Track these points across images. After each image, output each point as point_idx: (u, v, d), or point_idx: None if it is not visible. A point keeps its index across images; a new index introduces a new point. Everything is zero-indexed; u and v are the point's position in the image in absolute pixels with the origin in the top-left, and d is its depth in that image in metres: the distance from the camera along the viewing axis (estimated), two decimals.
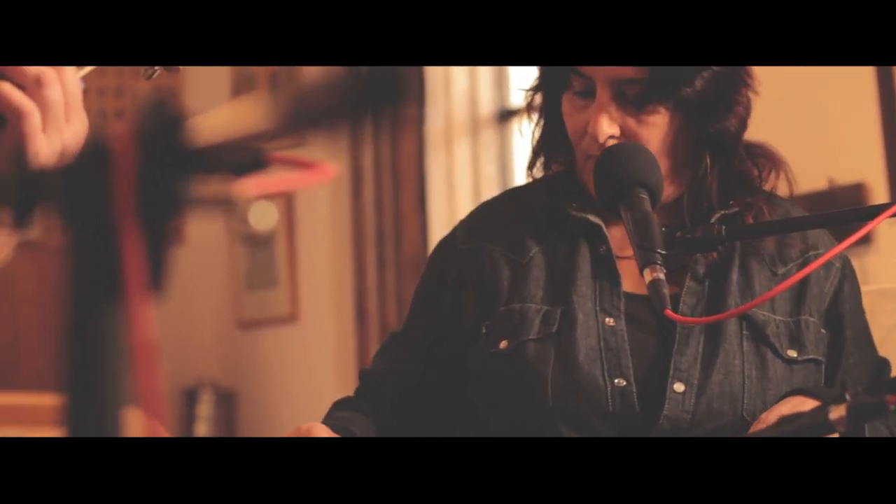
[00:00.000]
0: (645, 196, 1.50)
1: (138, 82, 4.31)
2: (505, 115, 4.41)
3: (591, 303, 1.61)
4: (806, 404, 1.47)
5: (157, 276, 0.68)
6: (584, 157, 1.64)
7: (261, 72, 4.77)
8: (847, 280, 1.68)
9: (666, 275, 1.41)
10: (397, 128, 4.30)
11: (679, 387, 1.55)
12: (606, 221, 1.66)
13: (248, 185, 0.69)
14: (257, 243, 4.73)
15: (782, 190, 1.70)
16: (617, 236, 1.65)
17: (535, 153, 1.75)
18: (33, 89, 1.18)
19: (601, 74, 1.59)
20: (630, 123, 1.60)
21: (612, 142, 1.59)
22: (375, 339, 4.23)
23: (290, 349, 4.62)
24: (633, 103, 1.59)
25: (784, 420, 1.33)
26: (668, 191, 1.64)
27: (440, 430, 1.71)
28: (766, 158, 1.69)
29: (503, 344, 1.62)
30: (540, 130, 1.73)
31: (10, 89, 1.18)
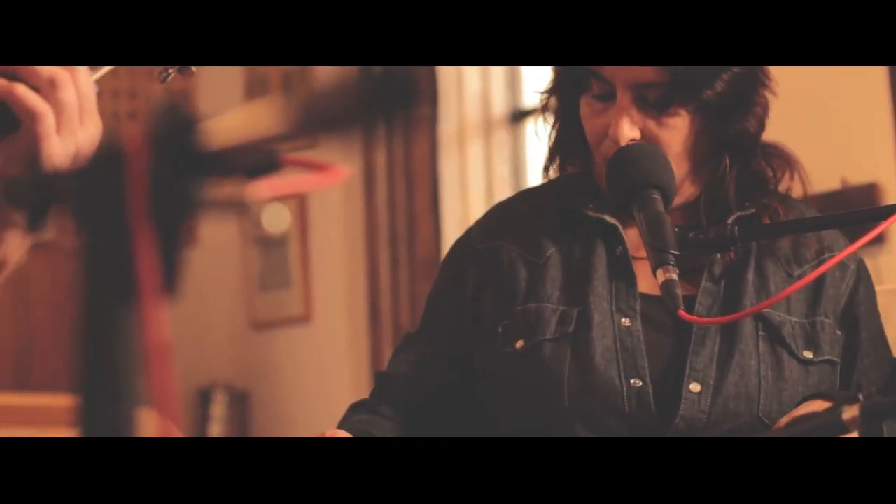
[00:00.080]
0: (657, 197, 1.50)
1: (151, 84, 4.31)
2: (518, 116, 4.40)
3: (607, 303, 1.61)
4: (823, 408, 1.46)
5: (170, 277, 0.68)
6: (602, 160, 1.63)
7: (273, 74, 4.77)
8: (862, 282, 1.68)
9: (679, 275, 1.41)
10: (410, 129, 4.30)
11: (695, 387, 1.55)
12: (623, 222, 1.65)
13: (262, 188, 0.69)
14: (270, 245, 4.74)
15: (796, 190, 1.70)
16: (633, 237, 1.64)
17: (552, 155, 1.75)
18: (47, 91, 1.18)
19: (621, 78, 1.59)
20: (651, 126, 1.60)
21: None
22: (389, 339, 4.23)
23: (304, 350, 4.63)
24: (654, 106, 1.59)
25: (798, 420, 1.33)
26: (689, 192, 1.64)
27: (447, 430, 1.70)
28: (780, 158, 1.68)
29: (519, 343, 1.61)
30: (556, 132, 1.73)
31: (24, 91, 1.17)
